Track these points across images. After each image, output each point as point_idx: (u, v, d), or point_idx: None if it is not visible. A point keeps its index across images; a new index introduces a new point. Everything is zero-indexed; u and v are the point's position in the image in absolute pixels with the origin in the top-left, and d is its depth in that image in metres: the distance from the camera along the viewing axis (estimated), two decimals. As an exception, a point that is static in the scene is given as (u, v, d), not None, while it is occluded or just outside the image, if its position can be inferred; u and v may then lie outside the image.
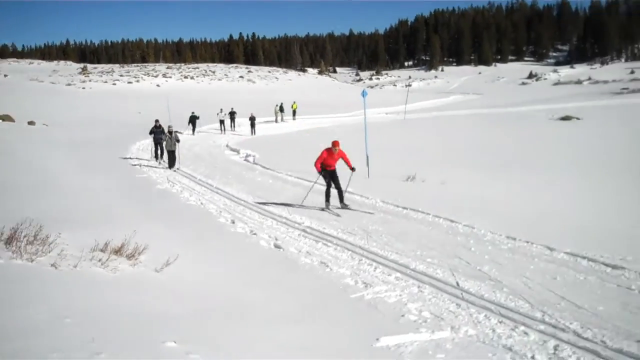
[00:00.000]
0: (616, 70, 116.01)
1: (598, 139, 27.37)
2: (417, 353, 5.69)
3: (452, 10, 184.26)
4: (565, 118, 39.28)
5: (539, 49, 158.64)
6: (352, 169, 14.15)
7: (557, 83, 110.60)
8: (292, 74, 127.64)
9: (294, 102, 53.12)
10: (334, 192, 13.93)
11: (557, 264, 8.77)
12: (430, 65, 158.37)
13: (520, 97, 78.33)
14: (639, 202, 13.52)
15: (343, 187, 14.01)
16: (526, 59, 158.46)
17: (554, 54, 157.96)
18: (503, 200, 14.00)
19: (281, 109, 50.03)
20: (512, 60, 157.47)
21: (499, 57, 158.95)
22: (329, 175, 13.98)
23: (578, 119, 38.70)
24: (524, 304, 7.07)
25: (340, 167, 14.26)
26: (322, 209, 13.51)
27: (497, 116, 45.86)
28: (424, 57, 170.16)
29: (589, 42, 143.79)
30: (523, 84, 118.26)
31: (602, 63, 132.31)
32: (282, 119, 49.67)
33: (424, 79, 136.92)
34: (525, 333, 6.21)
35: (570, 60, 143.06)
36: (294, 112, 52.08)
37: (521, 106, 56.07)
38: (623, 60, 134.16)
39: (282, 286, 7.93)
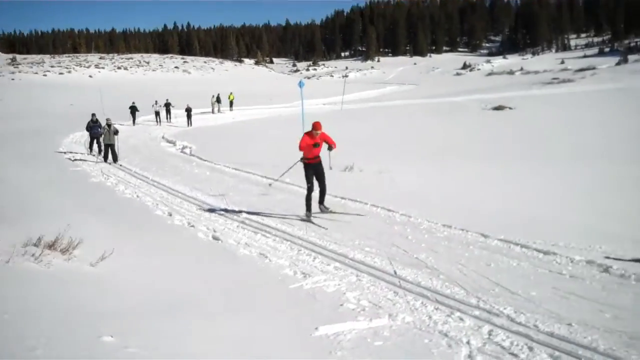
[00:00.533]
0: (547, 60, 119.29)
1: (529, 128, 28.06)
2: (355, 341, 5.74)
3: (388, 1, 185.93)
4: (498, 108, 40.10)
5: (473, 40, 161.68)
6: (330, 148, 12.11)
7: (491, 73, 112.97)
8: (229, 64, 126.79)
9: (231, 93, 52.64)
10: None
11: (491, 251, 8.98)
12: (366, 56, 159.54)
13: (454, 87, 79.70)
14: (568, 189, 13.93)
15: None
16: (460, 49, 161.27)
17: (487, 45, 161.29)
18: (439, 189, 14.22)
19: (218, 100, 49.57)
20: (446, 51, 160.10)
21: (434, 48, 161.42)
22: (313, 171, 11.73)
23: (510, 108, 39.55)
24: (459, 291, 7.21)
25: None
26: (303, 220, 11.38)
27: (432, 106, 46.49)
28: (360, 48, 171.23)
29: (521, 33, 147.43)
30: (457, 74, 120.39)
31: (534, 54, 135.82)
32: (219, 110, 49.23)
33: (360, 70, 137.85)
34: (461, 319, 6.33)
35: (502, 51, 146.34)
36: (231, 103, 51.66)
37: (456, 96, 57.00)
38: (553, 50, 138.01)
39: (220, 278, 7.88)
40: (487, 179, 15.59)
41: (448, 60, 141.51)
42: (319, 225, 10.86)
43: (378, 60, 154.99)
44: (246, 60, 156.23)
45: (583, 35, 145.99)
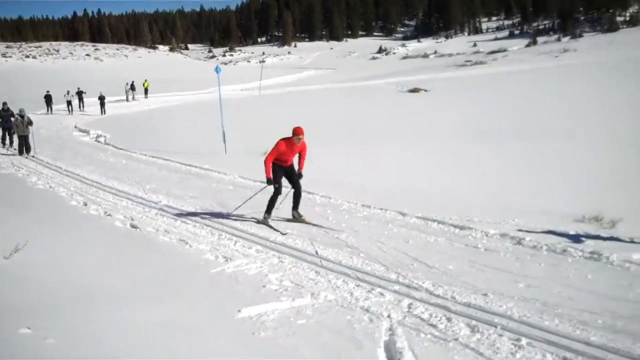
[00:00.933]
0: (460, 43, 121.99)
1: (443, 110, 28.74)
2: (278, 321, 5.77)
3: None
4: (414, 90, 40.92)
5: (388, 25, 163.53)
6: (299, 175, 10.25)
7: (406, 57, 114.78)
8: (142, 51, 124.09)
9: (145, 80, 51.56)
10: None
11: (409, 228, 9.21)
12: (283, 41, 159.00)
13: (371, 71, 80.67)
14: (483, 167, 14.37)
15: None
16: (375, 34, 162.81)
17: (402, 29, 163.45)
18: (358, 171, 14.41)
19: (132, 88, 48.51)
20: (362, 36, 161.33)
21: (350, 32, 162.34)
22: (283, 173, 10.13)
23: (425, 90, 40.42)
24: (379, 267, 7.35)
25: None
26: (260, 222, 10.06)
27: (350, 90, 46.95)
28: (276, 34, 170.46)
29: (434, 17, 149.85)
30: (373, 58, 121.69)
31: (447, 37, 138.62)
32: (133, 98, 48.17)
33: (277, 55, 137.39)
34: (382, 294, 6.46)
35: (417, 35, 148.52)
36: (146, 91, 50.63)
37: (372, 80, 57.73)
38: (466, 34, 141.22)
39: (140, 266, 7.74)
40: (405, 159, 15.90)
41: (364, 45, 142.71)
42: (276, 228, 9.58)
43: (295, 46, 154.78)
44: (160, 47, 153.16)
45: (494, 18, 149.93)
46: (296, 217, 10.11)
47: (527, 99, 29.97)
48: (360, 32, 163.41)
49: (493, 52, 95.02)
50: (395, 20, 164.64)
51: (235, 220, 10.14)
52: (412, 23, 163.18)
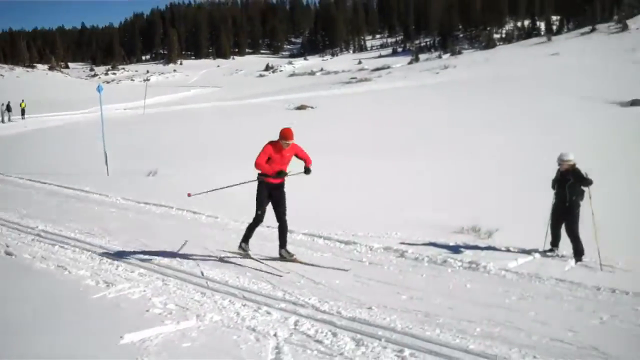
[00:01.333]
0: (345, 61, 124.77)
1: (329, 126, 29.24)
2: (162, 345, 5.62)
3: (189, 3, 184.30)
4: (301, 107, 41.39)
5: (275, 42, 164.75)
6: (307, 171, 8.86)
7: (293, 74, 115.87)
8: (20, 70, 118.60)
9: (22, 101, 49.22)
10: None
11: (296, 245, 9.28)
12: (168, 59, 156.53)
13: (258, 89, 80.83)
14: (365, 181, 14.69)
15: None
16: (263, 51, 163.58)
17: (289, 46, 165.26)
18: (244, 188, 14.32)
19: (8, 109, 46.27)
20: (249, 53, 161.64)
21: (237, 50, 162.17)
22: (268, 194, 8.59)
23: (312, 107, 40.95)
24: (266, 286, 7.34)
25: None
26: (238, 253, 8.77)
27: (237, 108, 46.87)
28: (162, 51, 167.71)
29: (320, 34, 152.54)
30: (261, 76, 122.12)
31: (333, 54, 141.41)
32: (9, 119, 45.94)
33: (162, 73, 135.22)
34: (268, 313, 6.44)
35: (303, 52, 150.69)
36: (23, 111, 48.30)
37: (260, 97, 57.87)
38: (351, 51, 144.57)
39: (15, 295, 7.35)
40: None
41: (251, 62, 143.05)
42: (268, 268, 8.16)
43: (181, 63, 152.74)
44: (39, 65, 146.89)
45: (378, 36, 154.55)
46: (285, 257, 8.60)
47: (403, 116, 31.14)
48: (247, 50, 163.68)
49: (377, 69, 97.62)
50: (282, 38, 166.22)
51: (117, 244, 9.81)
52: (299, 41, 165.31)
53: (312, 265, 8.26)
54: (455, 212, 11.00)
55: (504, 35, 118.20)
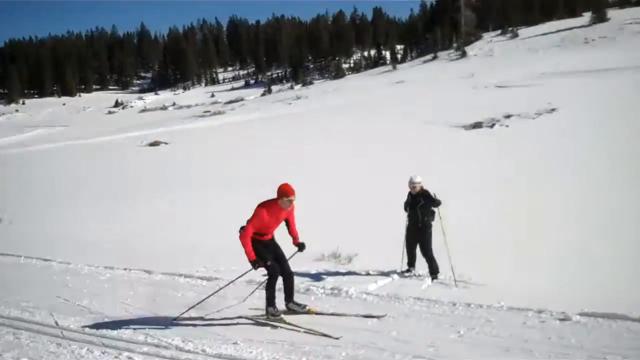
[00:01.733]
0: (198, 94, 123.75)
1: (183, 162, 29.09)
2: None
3: (30, 39, 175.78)
4: (154, 144, 40.72)
5: (123, 77, 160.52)
6: (301, 247, 7.56)
7: (144, 110, 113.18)
8: None
9: None
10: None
11: (156, 285, 9.15)
12: (9, 99, 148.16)
13: (108, 126, 78.31)
14: (220, 215, 14.75)
15: None
16: (111, 87, 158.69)
17: (139, 81, 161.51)
18: (96, 232, 13.95)
19: None
20: (97, 90, 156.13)
21: (84, 87, 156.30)
22: (272, 251, 7.40)
23: (166, 143, 40.41)
24: (126, 330, 7.16)
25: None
26: (268, 321, 7.22)
27: (85, 147, 45.27)
28: (2, 91, 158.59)
29: (171, 68, 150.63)
30: (110, 112, 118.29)
31: (185, 88, 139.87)
32: None
33: (3, 114, 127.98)
34: (130, 358, 6.30)
35: (154, 87, 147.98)
36: None
37: (110, 135, 56.17)
38: (203, 84, 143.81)
39: None
40: (145, 214, 15.75)
41: (99, 99, 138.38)
42: (295, 325, 7.02)
43: (23, 103, 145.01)
44: None
45: (230, 68, 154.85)
46: (296, 310, 7.46)
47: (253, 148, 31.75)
48: (94, 86, 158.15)
49: (231, 101, 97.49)
50: (131, 73, 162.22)
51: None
52: (149, 75, 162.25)
53: (333, 315, 7.37)
54: (315, 240, 11.27)
55: (352, 65, 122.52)
